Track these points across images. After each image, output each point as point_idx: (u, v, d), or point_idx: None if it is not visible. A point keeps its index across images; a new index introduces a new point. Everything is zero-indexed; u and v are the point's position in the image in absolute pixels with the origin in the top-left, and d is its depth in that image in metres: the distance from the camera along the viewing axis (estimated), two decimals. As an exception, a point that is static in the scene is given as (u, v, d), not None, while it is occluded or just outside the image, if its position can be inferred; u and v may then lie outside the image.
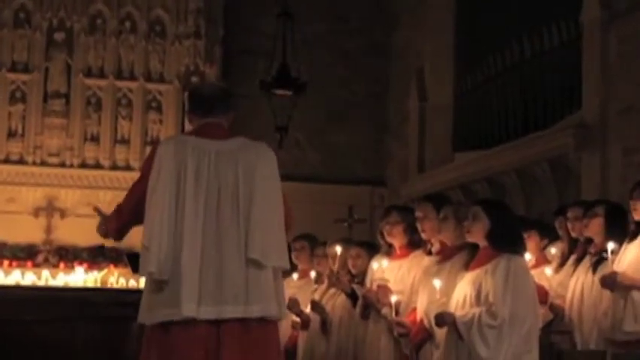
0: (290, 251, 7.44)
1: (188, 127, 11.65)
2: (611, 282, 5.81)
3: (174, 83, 12.58)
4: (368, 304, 6.39)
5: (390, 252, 6.47)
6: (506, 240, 5.25)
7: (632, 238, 5.94)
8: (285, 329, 7.29)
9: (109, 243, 11.95)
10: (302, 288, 7.44)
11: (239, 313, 4.37)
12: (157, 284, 4.40)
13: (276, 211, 4.49)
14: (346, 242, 7.23)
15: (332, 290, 7.11)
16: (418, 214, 6.08)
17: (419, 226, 6.07)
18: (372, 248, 6.90)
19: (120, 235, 4.73)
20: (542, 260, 6.81)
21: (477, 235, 5.33)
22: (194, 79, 12.31)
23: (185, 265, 4.34)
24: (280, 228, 4.51)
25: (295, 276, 7.55)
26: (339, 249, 6.84)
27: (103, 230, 4.79)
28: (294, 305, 7.20)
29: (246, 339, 4.39)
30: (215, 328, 4.37)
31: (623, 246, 5.94)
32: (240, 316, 4.37)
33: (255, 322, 4.41)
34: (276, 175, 4.55)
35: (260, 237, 4.40)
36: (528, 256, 5.96)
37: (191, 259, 4.35)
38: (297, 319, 7.27)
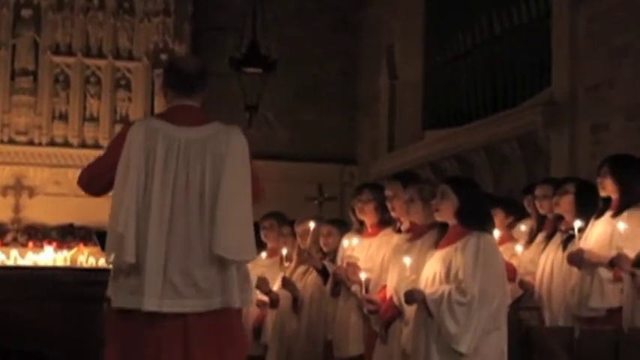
0: (258, 230, 7.47)
1: (158, 104, 11.52)
2: (577, 259, 5.85)
3: (143, 61, 12.51)
4: (338, 281, 6.42)
5: (361, 230, 6.49)
6: (475, 218, 5.28)
7: (599, 215, 5.97)
8: (251, 310, 7.32)
9: (79, 221, 11.94)
10: (271, 267, 7.45)
11: (201, 307, 4.35)
12: (123, 270, 4.37)
13: (242, 205, 4.42)
14: (317, 220, 7.25)
15: (301, 268, 7.13)
16: (387, 192, 6.10)
17: (388, 204, 6.09)
18: (344, 226, 6.93)
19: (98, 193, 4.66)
20: (508, 237, 6.85)
21: (445, 214, 5.35)
22: (163, 56, 12.24)
23: (150, 257, 4.31)
24: (247, 221, 4.44)
25: (264, 255, 7.57)
26: (312, 225, 6.86)
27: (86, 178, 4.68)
28: (263, 284, 7.22)
29: (210, 329, 4.38)
30: (181, 320, 4.35)
31: (590, 223, 5.98)
32: (202, 310, 4.36)
33: (219, 311, 4.40)
34: (246, 166, 4.45)
35: (225, 233, 4.34)
36: (497, 233, 6.00)
37: (157, 250, 4.31)
38: (263, 298, 7.30)
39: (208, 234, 4.35)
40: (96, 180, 4.55)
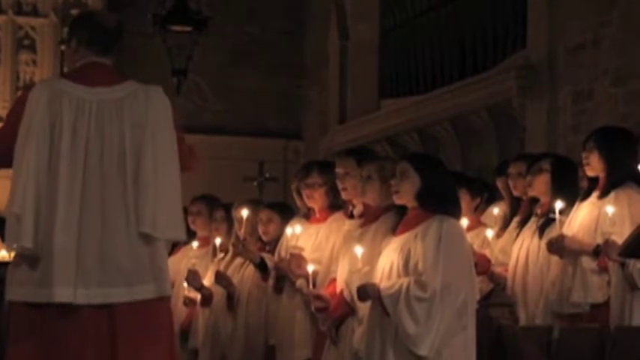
0: (186, 216, 7.42)
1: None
2: (558, 246, 5.88)
3: (50, 17, 12.39)
4: (281, 275, 6.42)
5: (308, 214, 6.49)
6: (438, 200, 5.29)
7: (585, 197, 6.01)
8: (178, 308, 7.30)
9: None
10: (202, 258, 7.43)
11: (130, 296, 4.35)
12: (27, 257, 4.33)
13: (169, 174, 4.43)
14: (255, 204, 7.22)
15: (238, 260, 7.11)
16: (339, 170, 6.10)
17: (339, 184, 6.09)
18: (286, 211, 6.92)
19: None
20: (475, 223, 6.87)
21: (406, 196, 5.35)
22: (74, 12, 12.12)
23: (58, 240, 4.28)
24: (175, 192, 4.45)
25: (195, 244, 7.54)
26: (245, 212, 6.84)
27: None
28: (193, 278, 7.19)
29: (138, 321, 4.37)
30: (104, 313, 4.34)
31: (575, 206, 6.01)
32: (132, 300, 4.35)
33: (148, 301, 4.40)
34: (171, 128, 4.47)
35: (151, 206, 4.35)
36: (465, 222, 6.01)
37: (66, 232, 4.29)
38: (192, 295, 7.27)
39: (133, 210, 4.34)
40: None
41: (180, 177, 4.49)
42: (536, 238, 6.20)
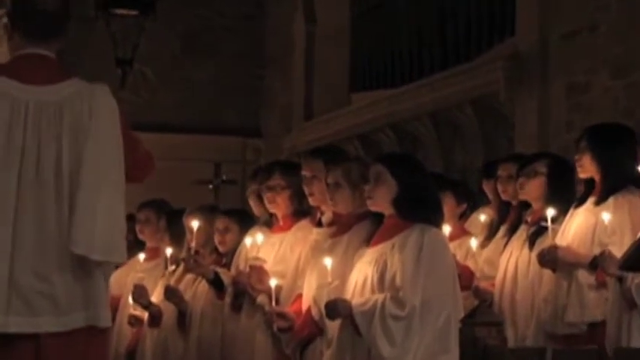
0: (134, 223, 7.40)
1: (2, 58, 11.49)
2: (551, 259, 5.89)
3: (-21, 0, 12.35)
4: (239, 291, 6.41)
5: (270, 222, 6.49)
6: (418, 207, 5.30)
7: (580, 202, 6.02)
8: (125, 330, 7.28)
9: None
10: (151, 272, 7.41)
11: (60, 326, 4.30)
12: None
13: (111, 190, 4.36)
14: (210, 211, 7.21)
15: (191, 274, 7.10)
16: (305, 172, 6.11)
17: (306, 188, 6.09)
18: (245, 218, 6.92)
19: None
20: (460, 231, 6.88)
21: (381, 202, 5.36)
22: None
23: None
24: (116, 211, 4.38)
25: (142, 256, 7.52)
26: (197, 221, 6.81)
27: None
28: (140, 295, 7.17)
29: (69, 352, 4.33)
30: (31, 344, 4.28)
31: (569, 213, 6.02)
32: (62, 330, 4.30)
33: (78, 332, 4.34)
34: (116, 135, 4.40)
35: (87, 226, 4.28)
36: (447, 229, 6.01)
37: None
38: (138, 314, 7.24)
39: (68, 227, 4.29)
40: None
41: (124, 190, 4.44)
42: (526, 249, 6.22)
